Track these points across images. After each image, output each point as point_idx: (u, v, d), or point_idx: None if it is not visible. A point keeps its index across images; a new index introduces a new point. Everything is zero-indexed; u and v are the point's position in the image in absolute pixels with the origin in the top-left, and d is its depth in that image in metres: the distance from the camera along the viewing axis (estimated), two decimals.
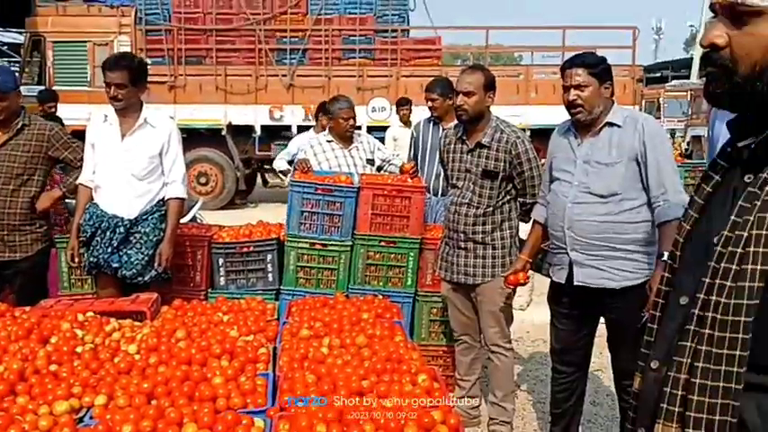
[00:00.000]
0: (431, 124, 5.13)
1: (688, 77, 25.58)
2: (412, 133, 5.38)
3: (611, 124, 3.12)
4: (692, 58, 27.25)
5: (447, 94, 4.82)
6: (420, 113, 11.82)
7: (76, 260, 3.94)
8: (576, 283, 3.15)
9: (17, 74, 13.14)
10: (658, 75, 29.94)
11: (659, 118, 22.33)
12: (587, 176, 3.13)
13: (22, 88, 13.66)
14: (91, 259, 3.83)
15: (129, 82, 3.77)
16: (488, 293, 3.67)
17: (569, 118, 3.23)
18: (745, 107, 1.27)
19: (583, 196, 3.12)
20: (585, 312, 3.28)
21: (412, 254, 4.21)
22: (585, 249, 3.11)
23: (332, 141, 4.81)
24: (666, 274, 1.42)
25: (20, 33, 16.20)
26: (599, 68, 3.12)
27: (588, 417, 4.03)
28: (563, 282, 3.22)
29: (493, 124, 3.65)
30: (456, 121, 3.85)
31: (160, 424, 2.16)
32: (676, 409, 1.25)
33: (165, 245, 3.87)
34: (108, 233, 3.80)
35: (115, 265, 3.80)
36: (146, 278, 3.85)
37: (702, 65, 1.30)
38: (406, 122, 8.40)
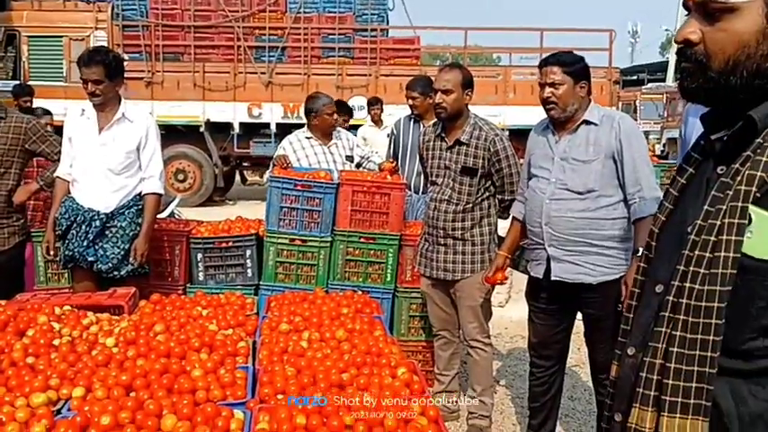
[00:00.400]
0: (411, 122, 5.16)
1: (664, 80, 25.89)
2: (392, 131, 5.41)
3: (587, 122, 3.16)
4: (667, 62, 27.58)
5: (428, 92, 4.85)
6: (393, 112, 11.88)
7: (52, 253, 3.91)
8: (553, 278, 3.18)
9: None
10: (635, 78, 30.27)
11: (636, 120, 22.60)
12: (564, 173, 3.16)
13: None
14: (66, 252, 3.81)
15: (105, 77, 3.75)
16: (467, 289, 3.70)
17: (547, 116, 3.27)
18: (718, 101, 1.30)
19: (560, 192, 3.16)
20: (563, 307, 3.31)
21: (391, 250, 4.22)
22: (563, 245, 3.15)
23: (311, 138, 4.81)
24: (642, 264, 1.45)
25: None
26: (574, 67, 3.17)
27: (566, 411, 4.08)
28: (540, 277, 3.25)
29: (471, 122, 3.68)
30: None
31: (139, 415, 2.14)
32: (652, 394, 1.27)
33: (141, 240, 3.85)
34: (83, 226, 3.77)
35: (91, 258, 3.78)
36: (122, 272, 3.83)
37: (677, 60, 1.32)
38: (376, 122, 8.41)
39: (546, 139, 3.28)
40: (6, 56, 13.14)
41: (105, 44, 12.65)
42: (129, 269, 3.84)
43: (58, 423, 2.12)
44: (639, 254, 2.92)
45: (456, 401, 4.04)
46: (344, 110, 8.42)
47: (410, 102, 5.06)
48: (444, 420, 2.53)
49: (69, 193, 3.90)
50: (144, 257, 3.88)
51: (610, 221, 3.12)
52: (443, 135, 3.73)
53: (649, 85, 25.26)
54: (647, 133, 20.35)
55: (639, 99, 23.17)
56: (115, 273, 3.81)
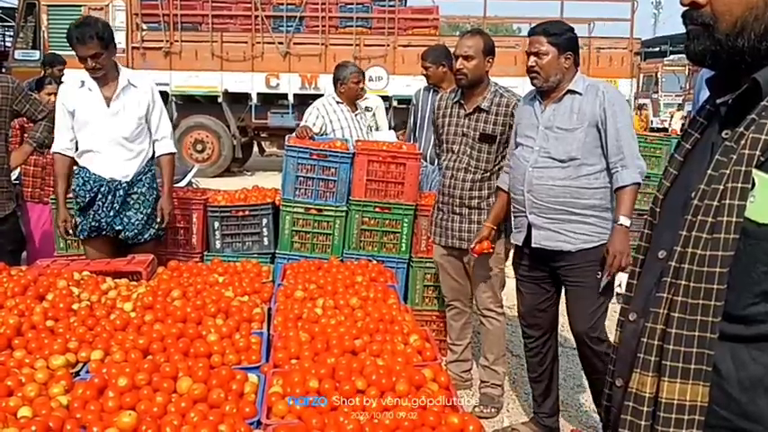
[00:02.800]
0: (429, 92, 5.14)
1: None
2: (411, 101, 5.42)
3: (572, 92, 3.16)
4: None
5: (440, 61, 4.87)
6: (411, 83, 11.71)
7: (70, 231, 3.93)
8: (533, 245, 3.20)
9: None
10: (657, 49, 29.76)
11: (657, 92, 22.31)
12: (548, 141, 3.18)
13: (17, 52, 13.50)
14: (92, 223, 3.83)
15: (102, 49, 3.68)
16: (481, 258, 3.70)
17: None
18: (725, 64, 1.28)
19: (543, 161, 3.17)
20: (546, 276, 3.32)
21: (406, 220, 4.24)
22: (544, 213, 3.16)
23: (341, 104, 4.97)
24: (646, 231, 1.44)
25: None
26: (560, 38, 3.15)
27: (579, 381, 4.09)
28: (520, 244, 3.28)
29: (492, 89, 3.66)
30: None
31: (155, 377, 2.20)
32: (653, 359, 1.28)
33: (165, 200, 3.93)
34: (109, 197, 3.82)
35: (118, 227, 3.84)
36: (145, 236, 3.90)
37: (684, 23, 1.30)
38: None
39: (532, 109, 3.29)
40: (26, 25, 13.20)
41: (123, 14, 12.68)
42: (151, 233, 3.92)
43: (76, 384, 2.18)
44: (620, 222, 2.97)
45: (469, 371, 4.07)
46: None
47: (423, 71, 5.07)
48: (457, 389, 2.57)
49: (74, 166, 3.90)
50: (171, 216, 3.97)
51: (591, 191, 3.12)
52: (462, 102, 3.71)
53: (671, 56, 24.84)
54: (640, 105, 20.17)
55: (661, 71, 22.83)
56: (139, 237, 3.89)
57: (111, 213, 3.82)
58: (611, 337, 1.52)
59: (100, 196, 3.81)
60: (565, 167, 3.11)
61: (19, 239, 4.25)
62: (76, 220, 3.91)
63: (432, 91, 5.12)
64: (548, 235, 3.16)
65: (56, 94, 5.48)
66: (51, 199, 4.39)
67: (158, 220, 3.91)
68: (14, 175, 4.40)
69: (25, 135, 4.78)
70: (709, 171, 1.22)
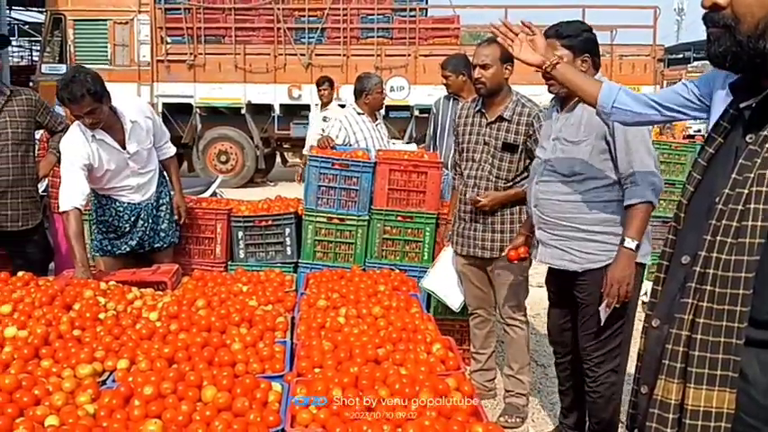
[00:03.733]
0: (449, 101, 5.15)
1: None
2: (431, 110, 5.42)
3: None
4: None
5: (459, 70, 4.90)
6: (432, 92, 11.68)
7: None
8: (537, 261, 3.15)
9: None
10: (680, 56, 29.51)
11: None
12: (554, 154, 3.03)
13: (43, 66, 13.76)
14: (130, 242, 3.92)
15: (96, 103, 3.52)
16: (504, 267, 3.69)
17: None
18: (746, 67, 1.27)
19: (548, 174, 3.03)
20: (564, 294, 3.19)
21: (428, 229, 4.24)
22: (550, 228, 3.04)
23: (362, 114, 5.02)
24: (670, 236, 1.43)
25: (40, 12, 16.34)
26: (575, 40, 2.95)
27: None
28: (535, 259, 3.22)
29: (514, 98, 3.64)
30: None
31: (180, 386, 2.21)
32: (678, 365, 1.27)
33: (179, 198, 4.12)
34: (150, 219, 3.95)
35: (157, 244, 3.99)
36: (174, 239, 4.09)
37: (705, 25, 1.30)
38: (325, 103, 7.86)
39: (551, 118, 3.16)
40: (53, 40, 13.43)
41: (148, 27, 12.84)
42: (177, 234, 4.15)
43: (102, 393, 2.20)
44: (625, 245, 2.80)
45: (493, 380, 4.05)
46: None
47: (443, 81, 5.11)
48: (481, 398, 2.55)
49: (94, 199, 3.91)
50: (187, 211, 4.16)
51: (600, 204, 2.93)
52: (483, 111, 3.70)
53: (695, 63, 24.61)
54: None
55: (685, 77, 22.58)
56: (172, 242, 4.08)
57: (150, 233, 3.96)
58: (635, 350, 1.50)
59: (141, 222, 3.92)
60: (569, 182, 2.96)
61: (47, 250, 4.32)
62: (111, 243, 3.94)
63: (452, 100, 5.13)
64: (553, 253, 3.05)
65: None
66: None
67: (176, 218, 4.08)
68: (42, 186, 4.47)
69: (43, 144, 4.87)
70: (733, 175, 1.22)
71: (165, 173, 4.11)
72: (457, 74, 4.94)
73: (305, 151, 8.20)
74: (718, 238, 1.21)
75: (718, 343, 1.21)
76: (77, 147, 3.66)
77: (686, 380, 1.25)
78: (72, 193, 3.60)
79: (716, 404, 1.22)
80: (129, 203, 3.90)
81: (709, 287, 1.22)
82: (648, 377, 1.37)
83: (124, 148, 3.75)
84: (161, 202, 4.01)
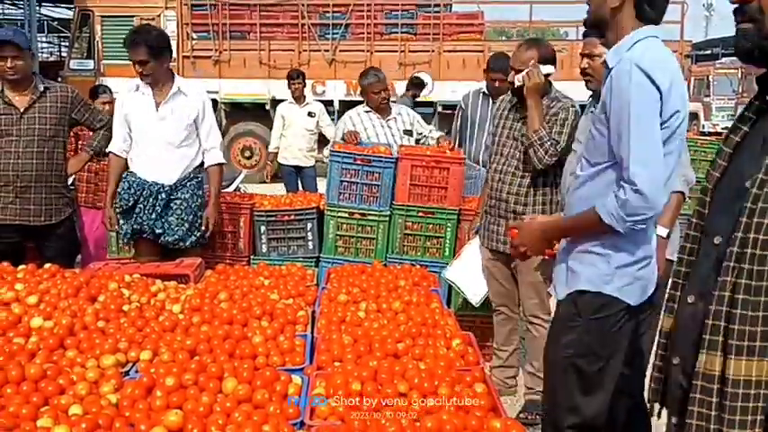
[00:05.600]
0: (480, 97, 5.09)
1: None
2: (459, 105, 5.32)
3: None
4: None
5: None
6: (456, 89, 11.60)
7: (116, 228, 4.05)
8: None
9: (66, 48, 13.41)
10: (709, 52, 29.11)
11: (709, 96, 21.80)
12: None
13: (72, 62, 13.84)
14: (134, 226, 3.93)
15: (149, 57, 3.83)
16: (529, 264, 3.66)
17: None
18: None
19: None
20: None
21: (450, 224, 4.23)
22: None
23: (370, 112, 4.88)
24: (695, 220, 1.49)
25: (69, 8, 16.54)
26: None
27: None
28: None
29: (552, 95, 3.61)
30: None
31: (201, 378, 2.24)
32: (720, 339, 1.34)
33: (211, 209, 4.00)
34: (150, 200, 3.91)
35: (158, 231, 3.92)
36: (186, 243, 3.96)
37: (735, 20, 1.32)
38: (297, 98, 7.70)
39: (587, 114, 3.23)
40: (81, 36, 13.59)
41: (175, 24, 12.94)
42: (193, 240, 3.98)
43: (125, 383, 2.24)
44: (657, 232, 2.51)
45: (514, 377, 4.04)
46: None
47: (490, 81, 4.88)
48: (501, 395, 2.55)
49: (125, 168, 4.02)
50: (215, 225, 4.04)
51: None
52: (518, 106, 3.68)
53: (723, 59, 24.26)
54: (719, 109, 19.62)
55: (713, 74, 22.32)
56: (180, 243, 3.95)
57: (153, 216, 3.91)
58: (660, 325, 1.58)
59: (142, 199, 3.91)
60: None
61: (74, 243, 4.37)
62: (120, 223, 4.01)
63: (482, 95, 5.06)
64: None
65: (110, 102, 5.64)
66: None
67: (202, 228, 3.98)
68: (69, 180, 4.53)
69: (80, 142, 4.92)
70: (766, 161, 1.28)
71: (203, 179, 4.08)
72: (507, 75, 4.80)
73: (271, 149, 8.11)
74: (755, 219, 1.28)
75: (757, 317, 1.30)
76: (121, 95, 4.12)
77: (727, 352, 1.33)
78: (115, 139, 4.06)
79: (755, 373, 1.31)
80: (139, 179, 3.93)
81: (747, 265, 1.30)
82: (684, 350, 1.44)
83: (158, 110, 3.92)
84: (178, 195, 3.95)
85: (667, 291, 1.55)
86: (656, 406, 1.61)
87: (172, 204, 3.95)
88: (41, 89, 3.99)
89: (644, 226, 2.20)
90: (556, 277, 2.51)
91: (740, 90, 20.08)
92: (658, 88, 2.07)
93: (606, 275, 2.28)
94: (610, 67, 2.21)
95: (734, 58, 23.93)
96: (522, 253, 2.58)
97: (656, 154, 2.10)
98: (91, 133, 4.36)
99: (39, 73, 4.15)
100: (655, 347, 1.56)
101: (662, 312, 1.62)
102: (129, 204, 3.93)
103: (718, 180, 1.44)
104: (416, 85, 8.94)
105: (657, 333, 1.57)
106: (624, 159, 2.11)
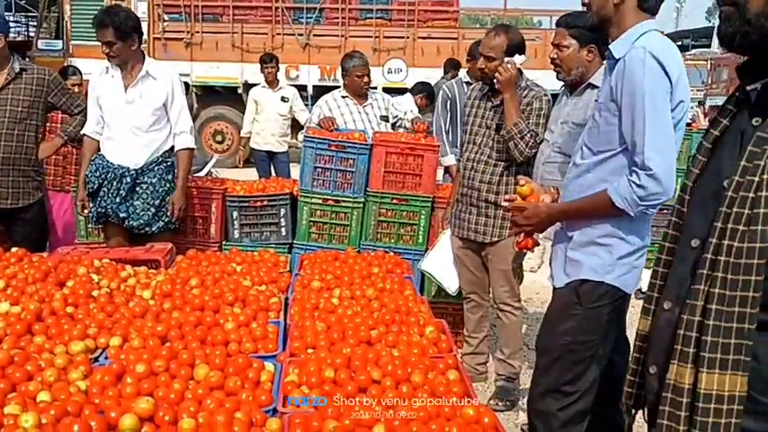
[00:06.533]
0: (463, 86, 5.10)
1: (709, 47, 25.17)
2: (445, 93, 5.29)
3: (592, 86, 3.11)
4: (712, 28, 26.75)
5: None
6: (430, 75, 11.59)
7: (85, 211, 3.99)
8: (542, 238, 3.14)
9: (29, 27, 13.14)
10: (679, 43, 29.39)
11: None
12: (561, 137, 3.14)
13: (39, 42, 13.58)
14: (99, 209, 3.87)
15: (116, 38, 3.75)
16: (500, 253, 3.69)
17: None
18: (755, 48, 1.27)
19: (554, 156, 3.14)
20: None
21: (424, 212, 4.23)
22: None
23: (347, 97, 4.80)
24: (674, 219, 1.45)
25: None
26: (583, 31, 3.06)
27: None
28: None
29: (523, 84, 3.61)
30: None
31: (173, 364, 2.22)
32: (691, 350, 1.29)
33: (178, 194, 3.92)
34: (115, 183, 3.84)
35: (122, 215, 3.85)
36: (153, 228, 3.90)
37: (717, 3, 1.30)
38: (270, 82, 7.62)
39: (560, 103, 3.27)
40: (50, 15, 13.33)
41: (146, 5, 12.73)
42: (160, 225, 3.91)
43: (95, 370, 2.21)
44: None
45: (484, 363, 4.07)
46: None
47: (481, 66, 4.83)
48: (472, 381, 2.56)
49: (98, 151, 3.96)
50: (181, 212, 3.95)
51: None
52: (490, 94, 3.68)
53: (693, 51, 24.56)
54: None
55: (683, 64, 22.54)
56: (146, 229, 3.89)
57: (117, 200, 3.84)
58: (636, 326, 1.53)
59: (106, 182, 3.85)
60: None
61: (43, 229, 4.28)
62: (89, 205, 3.95)
63: (466, 85, 5.06)
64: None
65: (79, 84, 5.52)
66: (73, 187, 4.43)
67: (167, 214, 3.91)
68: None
69: (49, 124, 4.82)
70: (742, 162, 1.23)
71: (174, 164, 3.99)
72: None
73: (243, 133, 8.06)
74: (730, 225, 1.23)
75: (731, 328, 1.23)
76: (93, 77, 4.02)
77: (698, 364, 1.28)
78: (88, 121, 4.02)
79: (728, 388, 1.25)
80: (106, 161, 3.88)
81: (721, 274, 1.24)
82: (658, 358, 1.40)
83: (126, 93, 3.86)
84: (145, 179, 3.86)
85: (646, 291, 1.51)
86: (632, 410, 1.55)
87: (138, 189, 3.88)
88: (17, 70, 3.91)
89: (655, 210, 2.31)
90: (553, 266, 2.59)
91: (709, 81, 20.32)
92: (669, 78, 2.17)
93: (609, 265, 2.39)
94: (616, 57, 2.27)
95: (703, 49, 24.26)
96: (527, 233, 2.61)
97: (669, 140, 2.19)
98: (60, 117, 4.27)
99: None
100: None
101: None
102: (95, 187, 3.87)
103: (698, 177, 1.40)
104: (454, 66, 8.81)
105: (634, 333, 1.54)
106: (638, 145, 2.19)
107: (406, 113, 5.05)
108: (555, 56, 3.16)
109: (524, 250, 3.34)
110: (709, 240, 1.27)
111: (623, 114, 2.22)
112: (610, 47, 2.34)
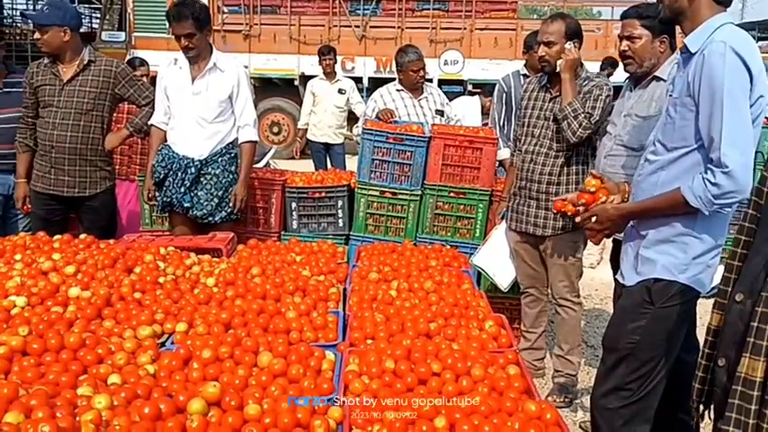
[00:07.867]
0: (520, 79, 5.02)
1: None
2: (501, 86, 5.25)
3: (657, 78, 3.06)
4: None
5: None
6: (487, 67, 11.47)
7: (152, 201, 4.08)
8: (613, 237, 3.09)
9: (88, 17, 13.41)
10: None
11: None
12: (624, 129, 3.11)
13: (103, 34, 13.81)
14: (164, 199, 3.96)
15: (196, 29, 3.83)
16: (558, 247, 3.65)
17: None
18: None
19: (617, 149, 3.12)
20: None
21: (481, 205, 4.21)
22: None
23: (401, 90, 4.80)
24: (751, 211, 1.42)
25: None
26: (655, 21, 3.01)
27: None
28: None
29: (583, 75, 3.56)
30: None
31: (237, 351, 2.26)
32: (765, 344, 1.27)
33: (240, 187, 3.98)
34: (180, 174, 3.92)
35: (187, 204, 3.94)
36: (216, 218, 3.98)
37: None
38: (328, 74, 7.68)
39: (623, 96, 3.22)
40: (113, 7, 13.64)
41: None
42: (222, 215, 3.99)
43: (162, 354, 2.26)
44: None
45: (542, 359, 4.03)
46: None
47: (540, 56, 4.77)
48: None
49: (165, 141, 4.05)
50: (243, 203, 4.01)
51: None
52: (548, 86, 3.64)
53: (759, 43, 23.70)
54: None
55: None
56: (210, 218, 3.97)
57: (182, 190, 3.91)
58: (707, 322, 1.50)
59: (171, 173, 3.93)
60: (636, 156, 2.93)
61: (111, 217, 4.39)
62: (156, 194, 4.04)
63: (523, 77, 4.98)
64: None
65: (147, 75, 5.65)
66: (138, 176, 4.54)
67: (229, 204, 3.98)
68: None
69: (118, 116, 4.93)
70: None
71: (237, 155, 4.06)
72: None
73: (300, 125, 8.15)
74: None
75: None
76: (161, 68, 4.11)
77: None
78: (156, 111, 4.09)
79: None
80: (172, 152, 3.95)
81: None
82: (728, 350, 1.38)
83: (193, 84, 3.93)
84: (209, 170, 3.94)
85: (718, 285, 1.48)
86: (701, 407, 1.54)
87: (202, 179, 3.96)
88: (85, 62, 4.01)
89: (730, 209, 2.27)
90: (623, 265, 2.55)
91: None
92: (750, 71, 2.12)
93: (683, 265, 2.35)
94: (692, 51, 2.24)
95: None
96: (600, 237, 2.61)
97: (747, 137, 2.14)
98: (128, 107, 4.36)
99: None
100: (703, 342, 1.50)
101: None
102: (161, 177, 3.96)
103: None
104: (611, 64, 8.70)
105: (705, 329, 1.51)
106: (715, 141, 2.14)
107: (456, 115, 5.04)
108: (626, 48, 3.09)
109: (559, 212, 3.18)
110: None
111: (701, 110, 2.17)
112: (685, 41, 2.28)
